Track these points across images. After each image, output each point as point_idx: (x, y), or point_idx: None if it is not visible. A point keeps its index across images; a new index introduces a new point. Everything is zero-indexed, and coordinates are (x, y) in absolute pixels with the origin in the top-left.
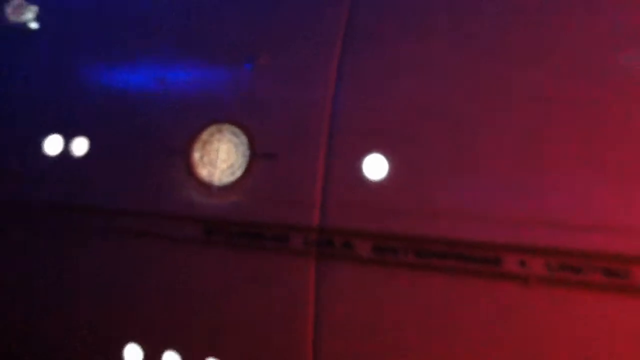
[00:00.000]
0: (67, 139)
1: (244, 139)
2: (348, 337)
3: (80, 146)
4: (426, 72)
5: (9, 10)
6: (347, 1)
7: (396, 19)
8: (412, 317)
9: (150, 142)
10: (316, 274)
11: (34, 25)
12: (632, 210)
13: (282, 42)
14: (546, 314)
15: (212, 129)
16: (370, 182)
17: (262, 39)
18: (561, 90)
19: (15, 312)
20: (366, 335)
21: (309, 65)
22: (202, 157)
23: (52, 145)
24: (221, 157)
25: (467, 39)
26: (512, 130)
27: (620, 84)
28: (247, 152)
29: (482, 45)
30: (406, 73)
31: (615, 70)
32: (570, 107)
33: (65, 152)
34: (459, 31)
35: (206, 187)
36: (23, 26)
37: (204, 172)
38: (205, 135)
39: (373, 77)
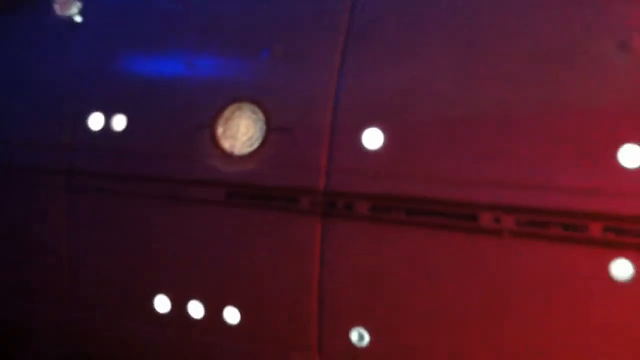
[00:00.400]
0: (109, 117)
1: (261, 115)
2: (348, 284)
3: (120, 122)
4: (415, 58)
5: (56, 5)
6: None
7: (393, 11)
8: (403, 267)
9: (181, 119)
10: (322, 231)
11: (78, 18)
12: (584, 172)
13: (294, 31)
14: (516, 264)
15: (234, 106)
16: (368, 151)
17: (277, 27)
18: (522, 68)
19: (62, 269)
20: (364, 284)
21: (317, 50)
22: (225, 131)
23: (99, 121)
24: (241, 131)
25: (451, 34)
26: (485, 105)
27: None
28: (264, 127)
29: (463, 38)
30: (398, 58)
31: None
32: (531, 82)
33: (108, 127)
34: (444, 26)
35: (228, 156)
36: (69, 19)
37: (226, 144)
38: (227, 112)
39: (371, 62)
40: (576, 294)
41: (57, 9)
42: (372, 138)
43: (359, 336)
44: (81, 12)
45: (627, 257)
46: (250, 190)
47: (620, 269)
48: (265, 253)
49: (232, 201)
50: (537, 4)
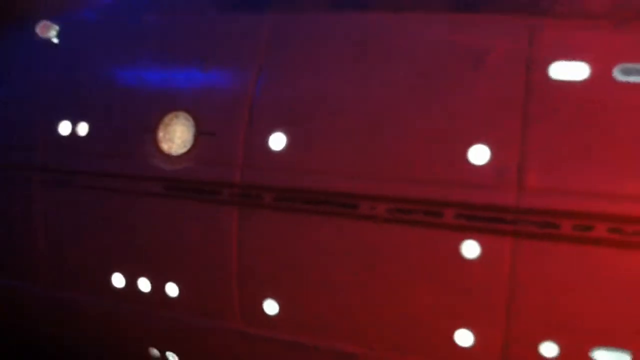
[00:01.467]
0: (75, 124)
1: (192, 121)
2: (260, 263)
3: (83, 129)
4: (313, 76)
5: (38, 29)
6: (267, 26)
7: (299, 38)
8: (303, 248)
9: (131, 125)
10: (238, 218)
11: (56, 40)
12: (441, 168)
13: (220, 52)
14: (388, 244)
15: (172, 114)
16: (274, 151)
17: (207, 50)
18: (395, 84)
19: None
20: (273, 263)
21: (236, 70)
22: (164, 135)
23: (67, 128)
24: (177, 135)
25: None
26: (364, 114)
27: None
28: (194, 131)
29: (350, 59)
30: (300, 76)
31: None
32: (402, 96)
33: (74, 132)
34: (337, 49)
35: (167, 156)
36: (49, 40)
37: (165, 146)
38: (166, 119)
39: (279, 79)
40: (434, 268)
41: (39, 32)
42: (278, 140)
43: (270, 306)
44: (58, 35)
45: (475, 239)
46: (183, 184)
47: (469, 248)
48: (196, 237)
49: (170, 193)
50: (410, 33)
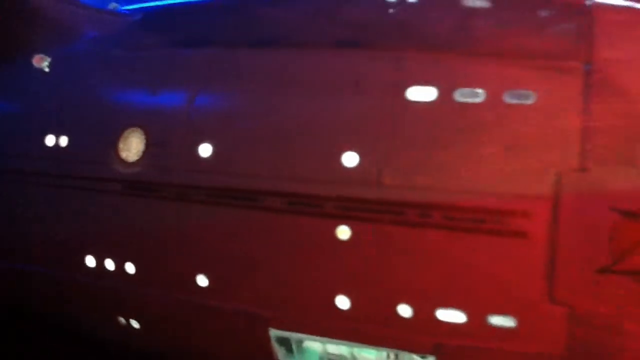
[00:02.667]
0: (58, 137)
1: (144, 135)
2: (195, 245)
3: (64, 141)
4: (236, 93)
5: (33, 60)
6: (203, 60)
7: (225, 70)
8: (223, 235)
9: (99, 138)
10: (177, 212)
11: (47, 69)
12: (321, 168)
13: (167, 82)
14: (284, 231)
15: (130, 129)
16: (203, 158)
17: (159, 80)
18: (295, 100)
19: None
20: (204, 245)
21: (178, 96)
22: (123, 146)
23: (51, 140)
24: (133, 146)
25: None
26: (272, 128)
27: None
28: (146, 143)
29: (269, 75)
30: (226, 102)
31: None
32: (301, 110)
33: (57, 143)
34: (262, 69)
35: (125, 162)
36: (42, 70)
37: (123, 154)
38: (125, 133)
39: (208, 99)
40: (317, 248)
41: (34, 62)
42: (206, 150)
43: (201, 280)
44: (49, 65)
45: (347, 224)
46: (136, 184)
47: (342, 232)
48: (145, 226)
49: (126, 192)
50: (307, 64)
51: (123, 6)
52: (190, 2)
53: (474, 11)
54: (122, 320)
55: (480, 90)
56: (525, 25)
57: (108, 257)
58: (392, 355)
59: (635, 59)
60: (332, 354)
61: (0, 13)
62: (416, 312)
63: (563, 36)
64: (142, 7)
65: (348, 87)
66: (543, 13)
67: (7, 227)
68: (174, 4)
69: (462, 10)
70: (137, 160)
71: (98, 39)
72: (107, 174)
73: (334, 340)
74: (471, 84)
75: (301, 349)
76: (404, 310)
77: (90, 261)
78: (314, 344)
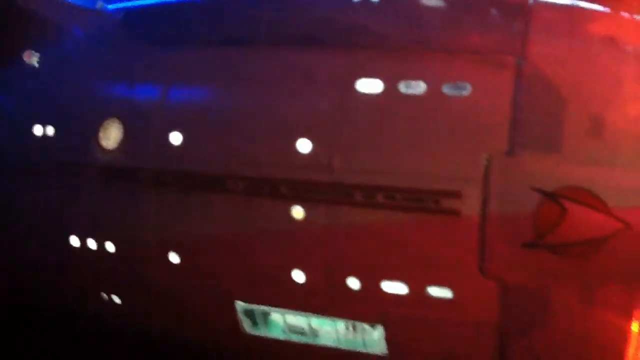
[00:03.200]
0: (44, 127)
1: (122, 126)
2: (167, 225)
3: (50, 130)
4: (202, 94)
5: (24, 55)
6: (174, 58)
7: (193, 69)
8: (181, 215)
9: (83, 128)
10: (154, 194)
11: (37, 65)
12: (275, 154)
13: (142, 79)
14: (247, 211)
15: (109, 120)
16: (174, 145)
17: (136, 77)
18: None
19: None
20: (174, 221)
21: (152, 91)
22: (104, 135)
23: (39, 130)
24: (112, 135)
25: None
26: (234, 121)
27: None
28: (124, 132)
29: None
30: (194, 97)
31: None
32: (260, 103)
33: (44, 133)
34: (227, 65)
35: (105, 150)
36: (32, 66)
37: (104, 143)
38: (105, 124)
39: (179, 92)
40: (275, 225)
41: (25, 57)
42: (176, 137)
43: (173, 258)
44: (38, 62)
45: (301, 205)
46: (116, 170)
47: (297, 212)
48: (124, 208)
49: (106, 177)
50: (266, 60)
51: (109, 4)
52: (166, 3)
53: (422, 10)
54: (105, 296)
55: (421, 83)
56: (468, 23)
57: (90, 237)
58: (350, 327)
59: (564, 54)
60: (294, 326)
61: None
62: (363, 284)
63: (501, 33)
64: (125, 7)
65: (303, 80)
66: (486, 12)
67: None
68: (152, 4)
69: (411, 9)
70: (116, 148)
71: (84, 37)
72: (89, 160)
73: (293, 312)
74: (414, 77)
75: (265, 321)
76: (353, 283)
77: (74, 241)
78: (276, 317)
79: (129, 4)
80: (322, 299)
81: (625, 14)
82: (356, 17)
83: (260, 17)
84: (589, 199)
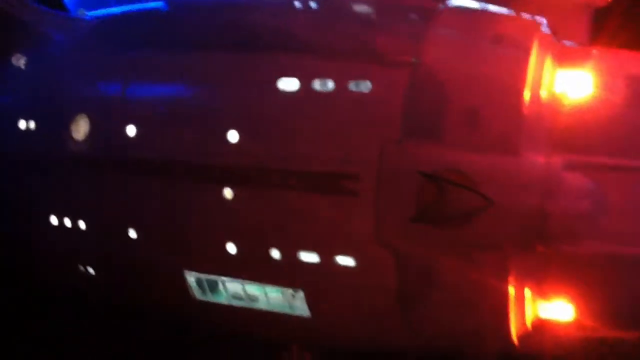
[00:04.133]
0: (27, 121)
1: (89, 120)
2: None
3: (32, 125)
4: (158, 91)
5: (12, 59)
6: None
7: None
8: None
9: (59, 122)
10: (124, 183)
11: (23, 67)
12: (211, 143)
13: (103, 79)
14: (190, 195)
15: (79, 115)
16: (130, 137)
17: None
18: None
19: None
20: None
21: (111, 90)
22: (74, 128)
23: (23, 124)
24: (82, 128)
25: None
26: (179, 108)
27: None
28: (90, 125)
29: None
30: (151, 93)
31: None
32: (200, 102)
33: (28, 127)
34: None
35: (78, 142)
36: (19, 68)
37: (76, 135)
38: (76, 118)
39: (137, 97)
40: (210, 206)
41: (13, 61)
42: (132, 130)
43: (132, 233)
44: (25, 64)
45: (231, 187)
46: (84, 158)
47: (228, 193)
48: (91, 191)
49: (77, 165)
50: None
51: (92, 11)
52: (131, 11)
53: (338, 18)
54: (81, 268)
55: (331, 81)
56: (377, 28)
57: (65, 216)
58: (278, 292)
59: (453, 54)
60: (234, 293)
61: None
62: (283, 254)
63: (404, 36)
64: (99, 15)
65: (236, 79)
66: (395, 18)
67: None
68: (119, 13)
69: (328, 18)
70: (84, 140)
71: (63, 41)
72: (63, 151)
73: (231, 279)
74: (325, 76)
75: (211, 289)
76: (275, 254)
77: (54, 220)
78: (220, 284)
79: (106, 11)
80: (252, 268)
81: (525, 15)
82: (281, 25)
83: (205, 25)
84: (462, 179)
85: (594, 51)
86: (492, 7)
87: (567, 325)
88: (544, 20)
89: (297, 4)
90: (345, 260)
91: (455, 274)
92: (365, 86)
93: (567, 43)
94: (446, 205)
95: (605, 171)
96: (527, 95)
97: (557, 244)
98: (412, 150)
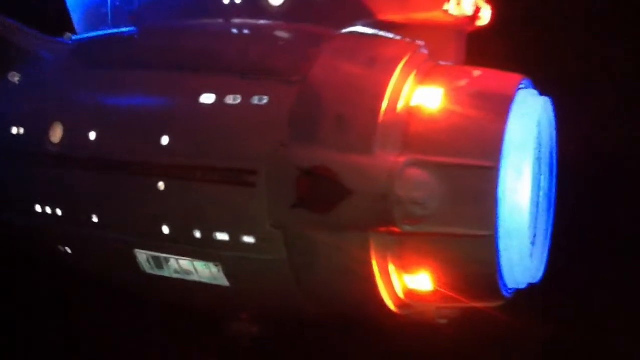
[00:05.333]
0: (19, 127)
1: (63, 126)
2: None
3: (22, 130)
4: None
5: (8, 76)
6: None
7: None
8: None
9: (40, 126)
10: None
11: (17, 83)
12: (148, 145)
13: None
14: (134, 187)
15: (56, 122)
16: (89, 140)
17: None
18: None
19: None
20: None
21: (81, 99)
22: (52, 133)
23: (16, 130)
24: (57, 133)
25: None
26: (126, 118)
27: None
28: (63, 130)
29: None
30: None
31: None
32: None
33: (19, 132)
34: (128, 82)
35: (52, 143)
36: (14, 84)
37: (52, 139)
38: (54, 124)
39: (97, 103)
40: (150, 196)
41: (9, 78)
42: (92, 135)
43: (95, 218)
44: (20, 80)
45: (163, 180)
46: (59, 157)
47: (161, 185)
48: (64, 184)
49: (53, 163)
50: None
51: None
52: (103, 35)
53: (250, 44)
54: (61, 248)
55: (239, 96)
56: (278, 52)
57: (47, 205)
58: (204, 266)
59: (332, 72)
60: (175, 268)
61: None
62: (203, 234)
63: (299, 59)
64: (80, 38)
65: (169, 95)
66: (294, 43)
67: None
68: (95, 36)
69: (243, 43)
70: (59, 142)
71: (50, 61)
72: (44, 151)
73: (167, 255)
74: (235, 92)
75: (157, 265)
76: (197, 233)
77: (38, 208)
78: (163, 261)
79: (87, 35)
80: (182, 246)
81: (405, 39)
82: (207, 50)
83: (152, 48)
84: (328, 174)
85: (454, 70)
86: (381, 33)
87: (432, 295)
88: (422, 44)
89: (221, 32)
90: (248, 239)
91: (330, 249)
92: (264, 100)
93: (443, 63)
94: (317, 195)
95: (441, 168)
96: (384, 106)
97: (402, 225)
98: (294, 151)
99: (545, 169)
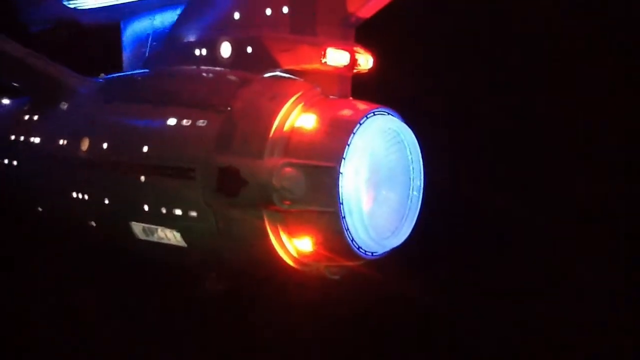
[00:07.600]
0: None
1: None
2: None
3: (64, 142)
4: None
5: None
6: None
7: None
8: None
9: (75, 142)
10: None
11: (65, 110)
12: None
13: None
14: (112, 179)
15: (84, 138)
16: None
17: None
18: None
19: None
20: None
21: (97, 121)
22: (82, 145)
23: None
24: (85, 146)
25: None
26: (108, 136)
27: None
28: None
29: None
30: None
31: None
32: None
33: (62, 144)
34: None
35: (83, 152)
36: (62, 110)
37: (83, 148)
38: (82, 139)
39: (99, 124)
40: (127, 188)
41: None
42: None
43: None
44: (65, 108)
45: (144, 176)
46: (84, 163)
47: (142, 178)
48: (86, 179)
49: (81, 166)
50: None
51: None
52: (120, 76)
53: (200, 83)
54: (88, 222)
55: (189, 120)
56: (215, 90)
57: (78, 192)
58: (170, 233)
59: (247, 104)
60: (159, 235)
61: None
62: (167, 210)
63: (228, 95)
64: (108, 77)
65: (151, 119)
66: (227, 82)
67: None
68: (116, 76)
69: (196, 83)
70: (86, 151)
71: (84, 95)
72: (75, 156)
73: (151, 225)
74: (187, 118)
75: (147, 232)
76: (163, 209)
77: (74, 194)
78: (153, 229)
79: (112, 75)
80: (157, 218)
81: (302, 81)
82: (165, 88)
83: (150, 87)
84: (235, 171)
85: (333, 102)
86: (288, 76)
87: (315, 255)
88: (315, 84)
89: (187, 76)
90: (192, 213)
91: (239, 220)
92: (204, 123)
93: (331, 97)
94: (228, 185)
95: (304, 167)
96: (274, 126)
97: (281, 205)
98: (217, 156)
99: (416, 173)
